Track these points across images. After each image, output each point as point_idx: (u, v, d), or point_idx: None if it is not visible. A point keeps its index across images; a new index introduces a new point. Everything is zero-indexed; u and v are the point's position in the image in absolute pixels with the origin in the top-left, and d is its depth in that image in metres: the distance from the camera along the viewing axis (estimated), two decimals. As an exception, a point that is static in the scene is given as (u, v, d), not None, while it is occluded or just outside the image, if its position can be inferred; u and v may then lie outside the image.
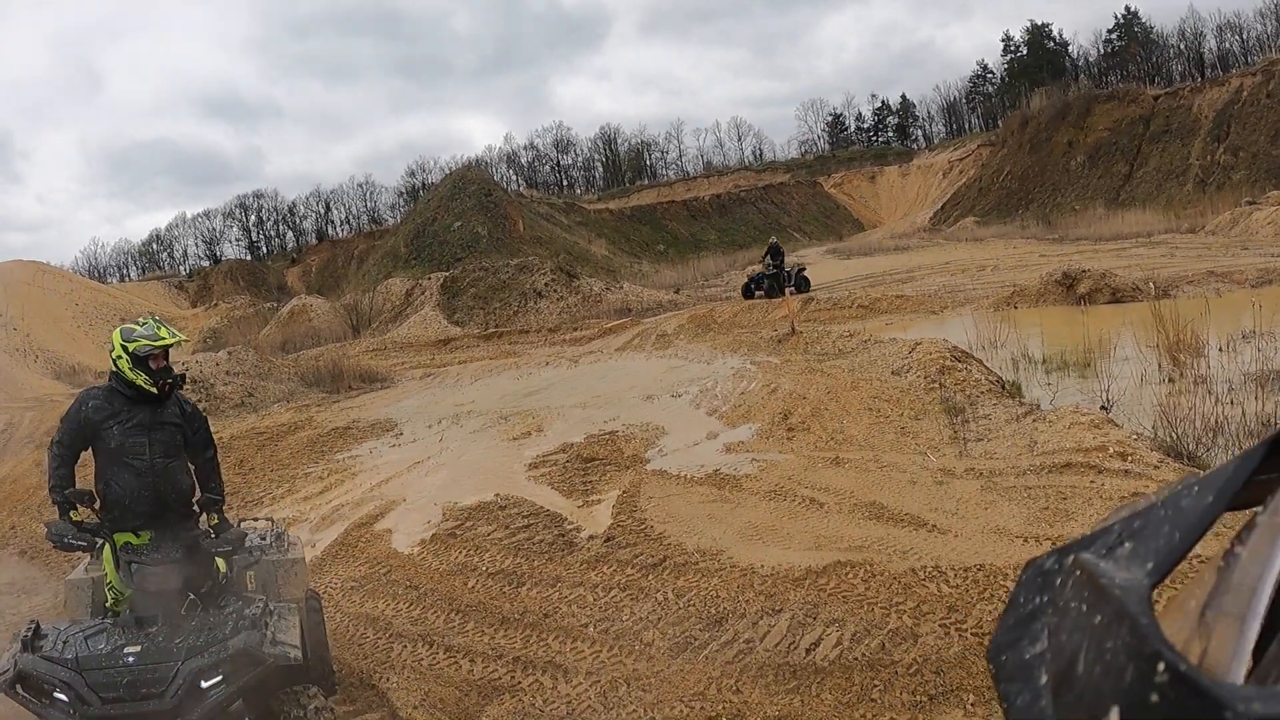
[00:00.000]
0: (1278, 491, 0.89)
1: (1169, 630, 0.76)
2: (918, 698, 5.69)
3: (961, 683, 5.71)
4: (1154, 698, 0.68)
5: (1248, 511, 0.93)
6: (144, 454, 5.46)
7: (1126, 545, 0.90)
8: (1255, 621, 0.80)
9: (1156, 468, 8.76)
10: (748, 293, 32.93)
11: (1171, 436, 9.68)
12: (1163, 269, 25.84)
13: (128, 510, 5.43)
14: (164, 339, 5.58)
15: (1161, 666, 0.69)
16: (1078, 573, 0.92)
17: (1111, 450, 9.20)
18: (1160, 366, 13.09)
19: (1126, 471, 8.73)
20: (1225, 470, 0.88)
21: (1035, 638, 0.92)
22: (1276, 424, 9.65)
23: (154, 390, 5.51)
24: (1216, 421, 9.86)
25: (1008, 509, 8.43)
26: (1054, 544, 6.42)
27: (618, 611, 7.53)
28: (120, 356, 5.48)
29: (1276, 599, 0.81)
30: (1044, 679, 0.87)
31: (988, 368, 14.43)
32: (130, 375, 5.47)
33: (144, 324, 5.65)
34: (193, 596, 5.23)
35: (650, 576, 8.10)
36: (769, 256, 33.45)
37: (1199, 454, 9.35)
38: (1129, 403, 11.36)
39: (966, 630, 6.29)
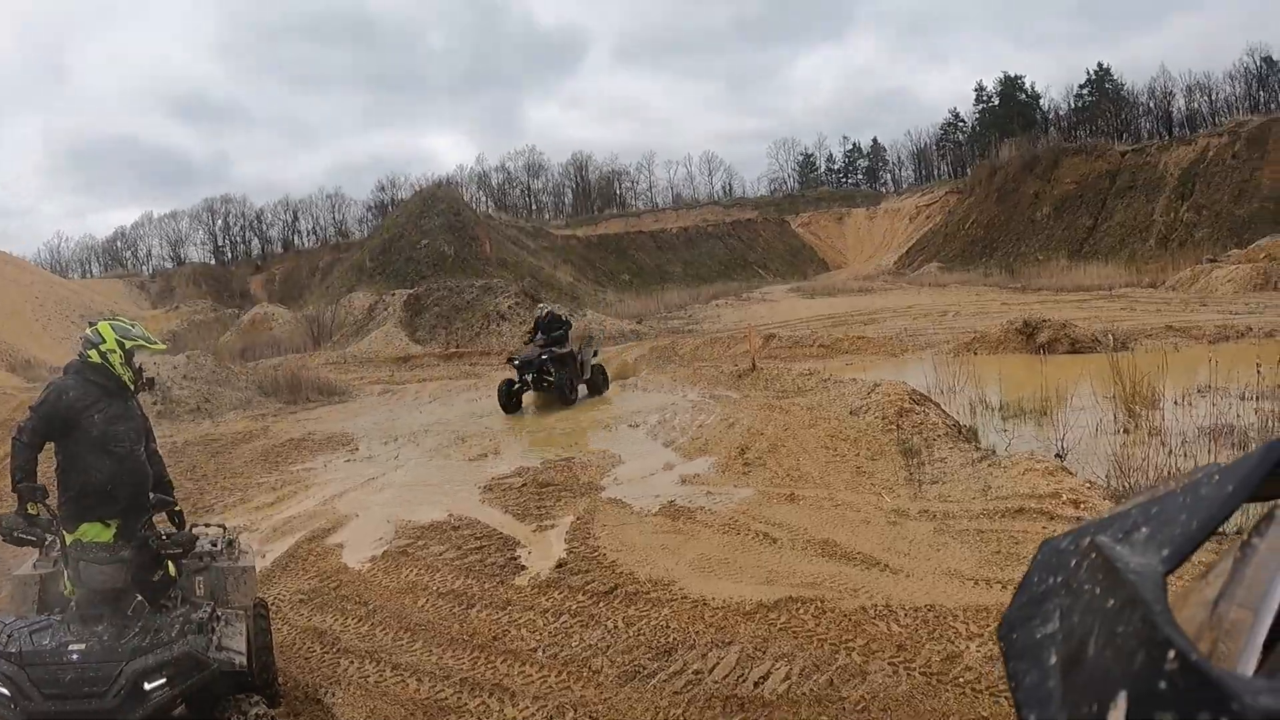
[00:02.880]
0: None
1: (1182, 618, 0.77)
2: (863, 735, 5.70)
3: (907, 722, 5.73)
4: (1162, 685, 0.69)
5: (1267, 504, 0.93)
6: (124, 442, 5.74)
7: (1143, 530, 0.90)
8: (1268, 615, 0.81)
9: (1107, 518, 8.84)
10: (508, 401, 19.08)
11: (1124, 486, 9.78)
12: (1122, 322, 26.19)
13: (107, 497, 5.58)
14: (157, 345, 6.24)
15: (1172, 654, 0.70)
16: (1093, 555, 0.92)
17: (1065, 497, 9.28)
18: (1116, 417, 13.24)
19: (1079, 519, 8.79)
20: (1248, 461, 0.88)
21: (1047, 618, 0.92)
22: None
23: (132, 386, 5.89)
24: (1169, 473, 9.96)
25: (960, 551, 8.48)
26: (1004, 588, 6.44)
27: (567, 637, 7.50)
28: (113, 351, 5.80)
29: None
30: (1053, 659, 0.87)
31: (945, 412, 14.53)
32: (119, 369, 5.81)
33: (133, 325, 6.06)
34: (140, 598, 5.19)
35: (601, 604, 8.08)
36: (540, 333, 20.05)
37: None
38: (1084, 452, 11.48)
39: (915, 669, 6.31)
